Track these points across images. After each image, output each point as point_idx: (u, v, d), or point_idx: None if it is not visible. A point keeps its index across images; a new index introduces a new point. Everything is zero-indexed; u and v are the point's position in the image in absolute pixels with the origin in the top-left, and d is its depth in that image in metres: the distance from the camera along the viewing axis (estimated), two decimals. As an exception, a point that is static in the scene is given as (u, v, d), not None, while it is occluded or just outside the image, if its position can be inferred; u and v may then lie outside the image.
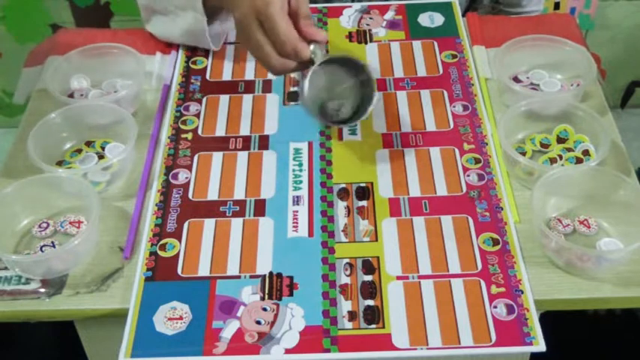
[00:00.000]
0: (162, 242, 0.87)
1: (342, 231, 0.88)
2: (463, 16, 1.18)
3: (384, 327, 0.79)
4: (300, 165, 0.96)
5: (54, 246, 0.87)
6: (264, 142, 0.99)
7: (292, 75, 1.07)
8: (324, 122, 0.94)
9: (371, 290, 0.82)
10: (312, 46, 0.88)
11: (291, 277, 0.83)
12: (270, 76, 1.08)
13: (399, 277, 0.83)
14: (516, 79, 1.05)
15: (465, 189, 0.92)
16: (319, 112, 0.90)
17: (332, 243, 0.87)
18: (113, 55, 1.08)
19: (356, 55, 0.90)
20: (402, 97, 1.04)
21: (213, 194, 0.93)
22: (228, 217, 0.90)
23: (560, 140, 0.97)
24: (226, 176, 0.95)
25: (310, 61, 0.88)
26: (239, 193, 0.92)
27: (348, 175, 0.94)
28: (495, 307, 0.80)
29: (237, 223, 0.89)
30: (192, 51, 1.12)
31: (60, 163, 0.97)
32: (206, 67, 1.11)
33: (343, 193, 0.92)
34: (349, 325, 0.79)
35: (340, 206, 0.91)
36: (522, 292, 0.81)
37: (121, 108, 0.98)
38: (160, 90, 1.07)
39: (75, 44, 1.09)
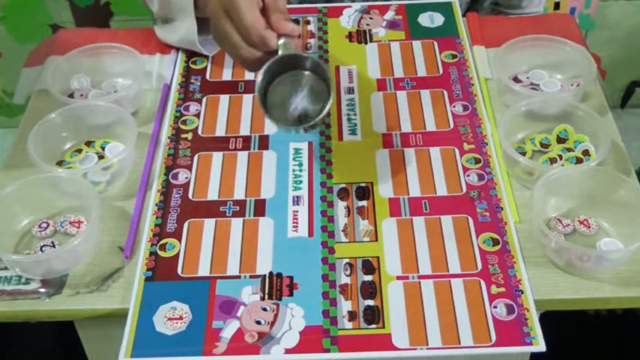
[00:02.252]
0: (162, 242, 0.87)
1: (342, 231, 0.88)
2: (463, 16, 1.18)
3: (384, 327, 0.79)
4: (300, 165, 0.96)
5: (54, 246, 0.87)
6: (264, 142, 0.99)
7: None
8: (277, 122, 0.87)
9: (371, 290, 0.82)
10: (282, 40, 0.86)
11: (291, 277, 0.83)
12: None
13: (399, 277, 0.83)
14: (516, 79, 1.05)
15: (465, 189, 0.92)
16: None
17: (332, 243, 0.87)
18: (113, 55, 1.08)
19: (317, 59, 0.87)
20: (402, 97, 1.04)
21: (213, 194, 0.93)
22: (228, 217, 0.90)
23: (560, 140, 0.97)
24: (226, 176, 0.95)
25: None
26: (239, 193, 0.92)
27: (348, 175, 0.94)
28: (495, 307, 0.80)
29: (237, 223, 0.89)
30: (192, 51, 1.12)
31: (60, 163, 0.97)
32: (206, 67, 1.11)
33: (343, 193, 0.92)
34: (349, 325, 0.79)
35: (340, 206, 0.91)
36: (522, 292, 0.81)
37: (121, 108, 0.98)
38: (160, 90, 1.07)
39: (75, 44, 1.09)
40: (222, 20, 0.87)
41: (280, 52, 0.86)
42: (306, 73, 0.87)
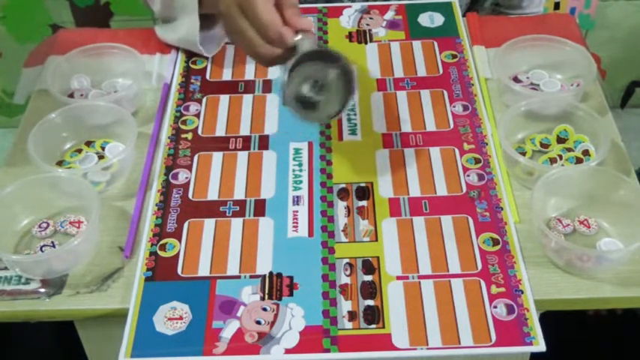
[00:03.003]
0: (162, 242, 0.87)
1: (342, 231, 0.88)
2: (463, 16, 1.18)
3: (384, 327, 0.79)
4: (300, 165, 0.96)
5: (54, 246, 0.87)
6: (264, 142, 0.99)
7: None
8: (303, 115, 0.88)
9: (371, 290, 0.82)
10: (299, 36, 0.86)
11: (291, 277, 0.83)
12: (270, 75, 1.08)
13: (399, 277, 0.83)
14: (516, 79, 1.05)
15: (465, 189, 0.92)
16: (299, 103, 0.87)
17: (332, 243, 0.87)
18: (113, 55, 1.08)
19: (338, 51, 0.87)
20: (402, 97, 1.04)
21: (213, 194, 0.93)
22: (228, 217, 0.90)
23: (560, 140, 0.97)
24: (226, 176, 0.95)
25: (297, 50, 0.86)
26: (239, 193, 0.92)
27: (348, 175, 0.94)
28: (495, 307, 0.80)
29: (237, 223, 0.89)
30: (192, 51, 1.12)
31: (60, 163, 0.97)
32: (206, 67, 1.11)
33: (343, 193, 0.92)
34: (349, 325, 0.79)
35: (340, 206, 0.91)
36: (522, 292, 0.81)
37: (121, 108, 0.98)
38: (160, 90, 1.07)
39: (75, 44, 1.09)
40: (237, 17, 0.86)
41: (301, 49, 0.85)
42: (334, 70, 0.86)
